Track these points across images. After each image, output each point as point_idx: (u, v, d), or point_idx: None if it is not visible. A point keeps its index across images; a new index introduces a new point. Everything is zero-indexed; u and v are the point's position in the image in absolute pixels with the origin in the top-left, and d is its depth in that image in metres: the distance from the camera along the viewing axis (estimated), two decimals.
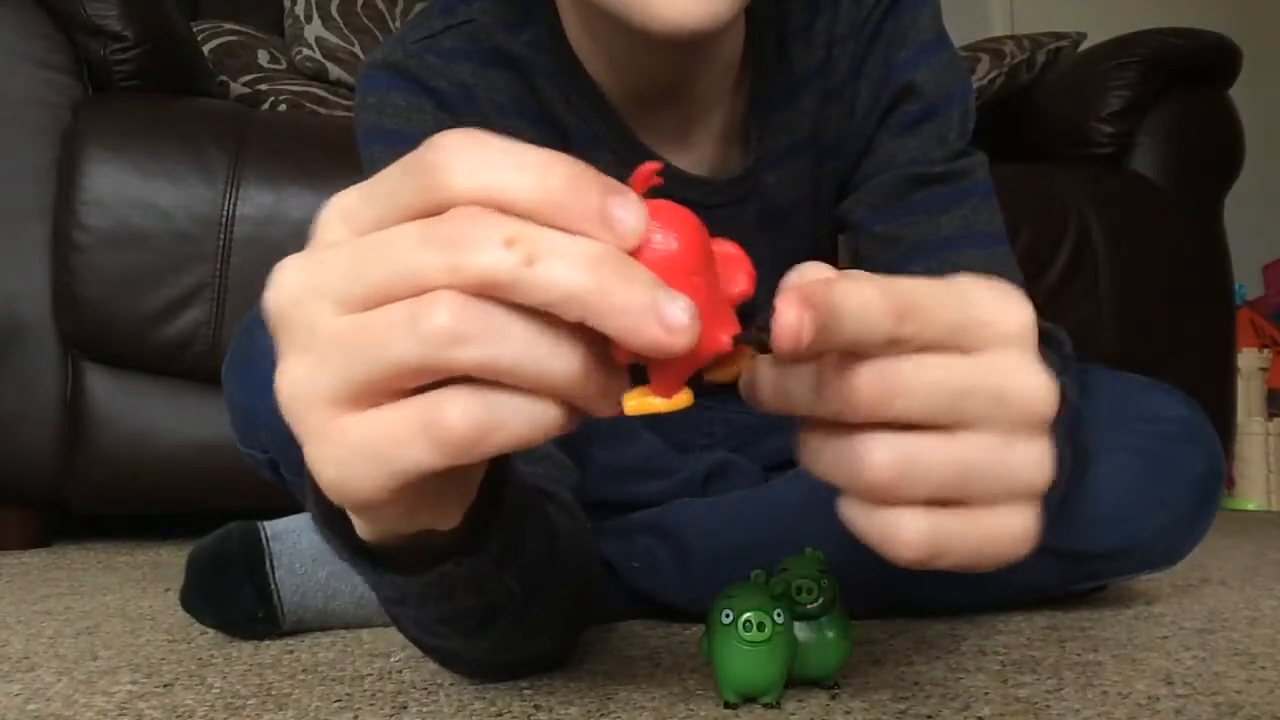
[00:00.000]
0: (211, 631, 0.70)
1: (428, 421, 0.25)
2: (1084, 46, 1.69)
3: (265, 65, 1.56)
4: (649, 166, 0.28)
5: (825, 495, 0.55)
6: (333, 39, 1.62)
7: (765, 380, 0.30)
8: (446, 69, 0.65)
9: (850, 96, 0.68)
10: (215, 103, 1.27)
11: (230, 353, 0.68)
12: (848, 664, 0.54)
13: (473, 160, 0.25)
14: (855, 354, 0.28)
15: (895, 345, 0.28)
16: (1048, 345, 0.51)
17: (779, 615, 0.48)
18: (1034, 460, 0.29)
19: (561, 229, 0.25)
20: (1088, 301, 1.42)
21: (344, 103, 1.57)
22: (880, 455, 0.28)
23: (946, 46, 0.68)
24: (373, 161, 0.66)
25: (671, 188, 0.60)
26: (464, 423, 0.25)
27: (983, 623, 0.71)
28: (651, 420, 0.74)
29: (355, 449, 0.26)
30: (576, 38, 0.64)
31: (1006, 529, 0.30)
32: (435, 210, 0.25)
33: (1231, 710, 0.51)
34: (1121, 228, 1.44)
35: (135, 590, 0.88)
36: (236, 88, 1.49)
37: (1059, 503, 0.67)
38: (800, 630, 0.51)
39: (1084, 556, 0.70)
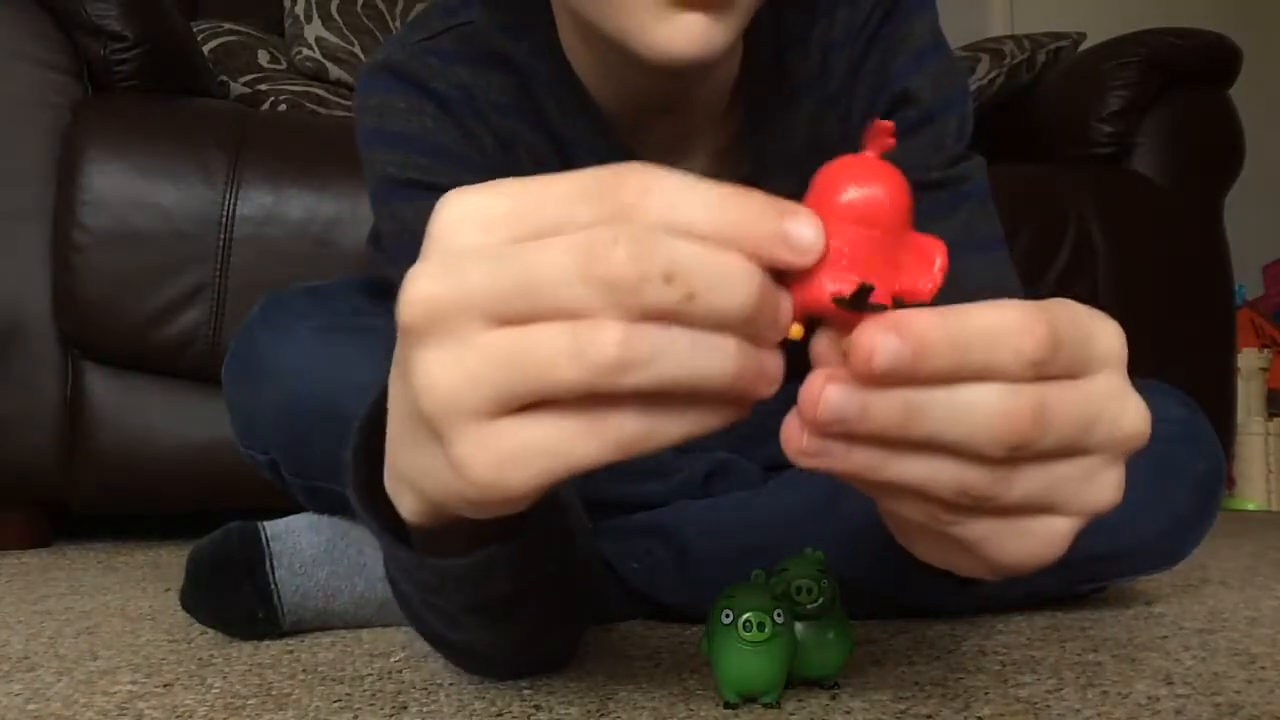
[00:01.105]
0: (211, 631, 0.70)
1: (600, 429, 0.27)
2: (1084, 46, 1.69)
3: (265, 65, 1.56)
4: (885, 124, 0.29)
5: (825, 498, 0.56)
6: (333, 39, 1.62)
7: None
8: (446, 70, 0.65)
9: (847, 103, 0.68)
10: (215, 103, 1.27)
11: (230, 354, 0.68)
12: (848, 664, 0.54)
13: (662, 193, 0.26)
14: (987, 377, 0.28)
15: (1040, 373, 0.28)
16: None
17: (779, 615, 0.48)
18: (1113, 484, 0.31)
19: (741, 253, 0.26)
20: (1088, 301, 1.42)
21: (344, 103, 1.57)
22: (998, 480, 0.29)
23: (943, 52, 0.68)
24: (374, 164, 0.66)
25: None
26: (636, 427, 0.27)
27: (983, 623, 0.71)
28: None
29: (518, 451, 0.27)
30: (573, 50, 0.64)
31: (1057, 536, 0.31)
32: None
33: (1231, 710, 0.51)
34: (1121, 228, 1.44)
35: (135, 590, 0.88)
36: (236, 88, 1.49)
37: None
38: (800, 630, 0.51)
39: (1084, 559, 0.70)
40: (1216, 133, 1.56)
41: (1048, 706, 0.51)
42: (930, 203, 0.66)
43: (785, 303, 0.27)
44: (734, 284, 0.26)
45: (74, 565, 1.04)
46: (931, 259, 0.29)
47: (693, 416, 0.27)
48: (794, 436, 0.29)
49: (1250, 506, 1.74)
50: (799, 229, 0.27)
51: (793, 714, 0.50)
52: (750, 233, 0.26)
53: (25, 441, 1.14)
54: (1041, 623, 0.71)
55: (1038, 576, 0.70)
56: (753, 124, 0.67)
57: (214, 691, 0.55)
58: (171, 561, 1.06)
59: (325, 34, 1.61)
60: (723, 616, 0.49)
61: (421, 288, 0.27)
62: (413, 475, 0.31)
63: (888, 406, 0.28)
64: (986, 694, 0.53)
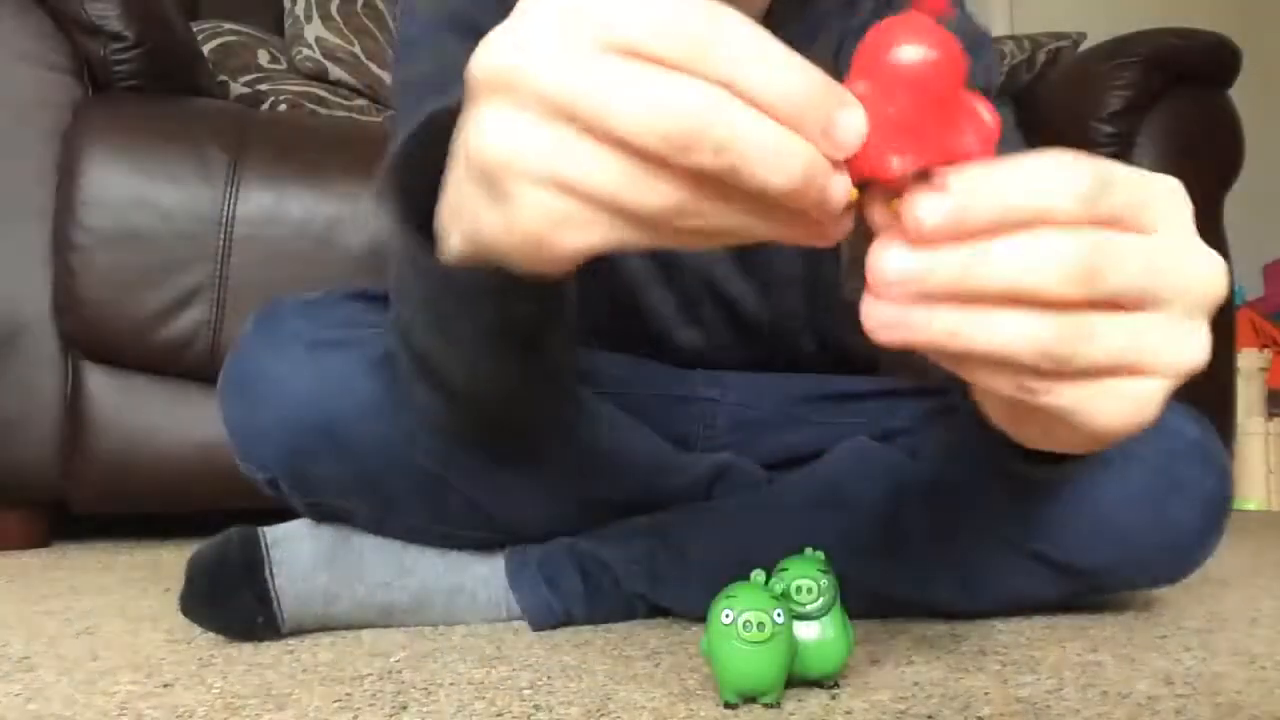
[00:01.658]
0: (211, 631, 0.70)
1: (647, 195, 0.28)
2: (1084, 46, 1.69)
3: (265, 65, 1.56)
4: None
5: (828, 500, 0.57)
6: (333, 39, 1.62)
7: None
8: None
9: None
10: (215, 103, 1.27)
11: (224, 374, 0.67)
12: (848, 664, 0.54)
13: (737, 45, 0.27)
14: (1049, 220, 0.29)
15: (1092, 211, 0.29)
16: None
17: (779, 615, 0.48)
18: (1198, 341, 0.32)
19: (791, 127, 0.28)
20: None
21: (344, 103, 1.57)
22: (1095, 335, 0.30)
23: (969, 13, 0.70)
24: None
25: None
26: (681, 199, 0.28)
27: (983, 623, 0.71)
28: (654, 412, 0.74)
29: (568, 215, 0.29)
30: None
31: (1148, 398, 0.32)
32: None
33: (1231, 710, 0.51)
34: None
35: (135, 590, 0.88)
36: (236, 88, 1.49)
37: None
38: (800, 630, 0.51)
39: (1086, 571, 0.70)
40: (1216, 133, 1.56)
41: (1048, 706, 0.51)
42: None
43: (837, 184, 0.28)
44: (781, 167, 0.27)
45: (74, 565, 1.04)
46: (982, 118, 0.30)
47: (723, 241, 0.30)
48: (873, 311, 0.30)
49: (1250, 506, 1.74)
50: (844, 122, 0.28)
51: (793, 714, 0.50)
52: (803, 112, 0.27)
53: (25, 441, 1.14)
54: (1041, 623, 0.71)
55: (1041, 587, 0.70)
56: None
57: (214, 691, 0.55)
58: (171, 561, 1.06)
59: (325, 34, 1.61)
60: (723, 616, 0.49)
61: (498, 52, 0.29)
62: (467, 218, 0.33)
63: (951, 258, 0.29)
64: (986, 694, 0.53)
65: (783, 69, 0.27)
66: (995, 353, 0.30)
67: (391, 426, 0.64)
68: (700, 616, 0.55)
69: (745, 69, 0.27)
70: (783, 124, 0.27)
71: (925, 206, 0.28)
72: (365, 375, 0.64)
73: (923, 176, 0.29)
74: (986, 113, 0.30)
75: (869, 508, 0.70)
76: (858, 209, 0.30)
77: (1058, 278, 0.29)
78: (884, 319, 0.30)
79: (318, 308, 0.67)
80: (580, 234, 0.29)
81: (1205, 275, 0.31)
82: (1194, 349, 0.32)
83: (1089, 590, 0.72)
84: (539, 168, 0.28)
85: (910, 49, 0.28)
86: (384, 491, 0.67)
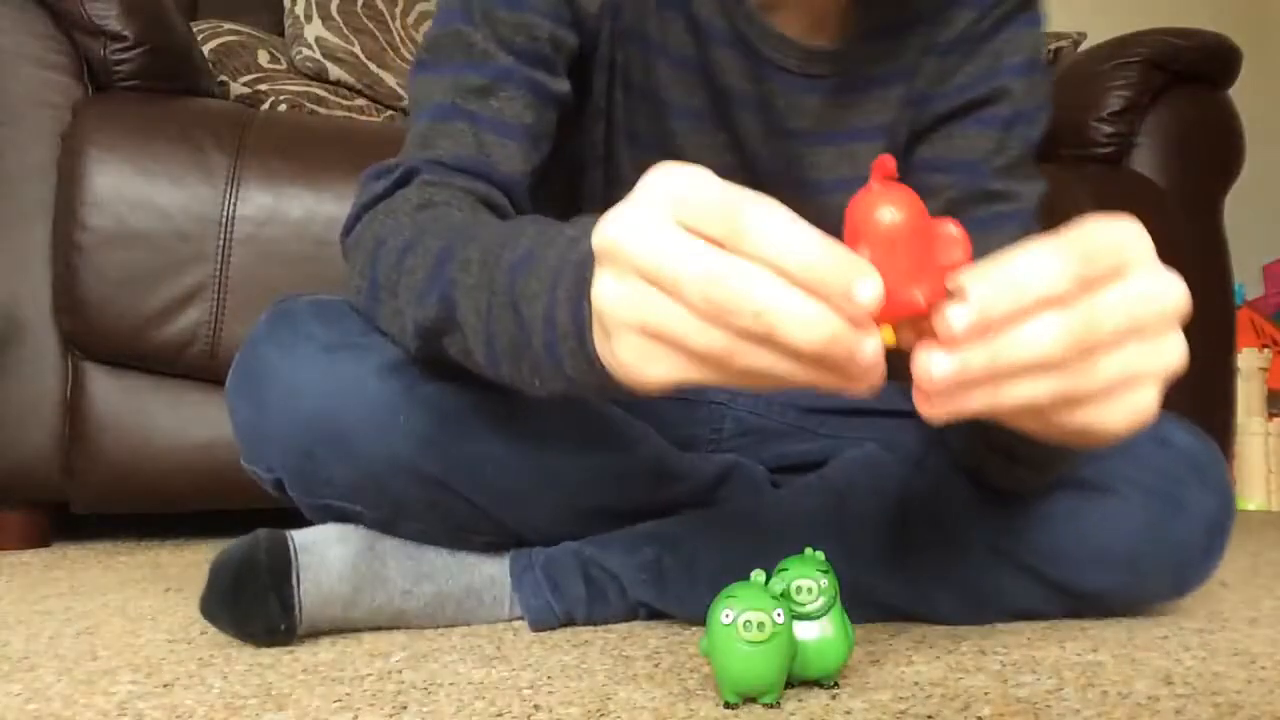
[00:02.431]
0: (211, 631, 0.70)
1: (710, 372, 0.37)
2: (1084, 46, 1.69)
3: (265, 65, 1.56)
4: (888, 161, 0.37)
5: (832, 508, 0.60)
6: (333, 39, 1.61)
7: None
8: None
9: (951, 65, 0.71)
10: (215, 103, 1.27)
11: (234, 369, 0.66)
12: (848, 664, 0.54)
13: (770, 232, 0.35)
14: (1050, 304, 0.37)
15: (1083, 286, 0.37)
16: None
17: (779, 615, 0.48)
18: (1177, 348, 0.40)
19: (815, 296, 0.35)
20: None
21: (344, 103, 1.57)
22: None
23: (1043, 72, 0.74)
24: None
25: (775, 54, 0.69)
26: (738, 378, 0.37)
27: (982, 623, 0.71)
28: (661, 414, 0.74)
29: (650, 362, 0.38)
30: None
31: (1147, 402, 0.40)
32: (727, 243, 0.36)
33: (1231, 710, 0.51)
34: None
35: (135, 590, 0.88)
36: (236, 88, 1.49)
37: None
38: (800, 630, 0.51)
39: (1089, 594, 0.70)
40: (1216, 133, 1.56)
41: (1048, 706, 0.51)
42: (985, 214, 0.71)
43: (868, 344, 0.36)
44: (807, 330, 0.35)
45: (74, 565, 1.04)
46: (950, 232, 0.38)
47: (778, 385, 0.37)
48: (922, 403, 0.39)
49: (1250, 506, 1.74)
50: (862, 289, 0.35)
51: (793, 714, 0.50)
52: (828, 284, 0.35)
53: (25, 441, 1.14)
54: (1041, 623, 0.71)
55: (1044, 604, 0.70)
56: (869, 32, 0.71)
57: (214, 691, 0.55)
58: (171, 561, 1.06)
59: (325, 34, 1.61)
60: (723, 616, 0.49)
61: (610, 228, 0.37)
62: (596, 338, 0.42)
63: (979, 355, 0.37)
64: (986, 694, 0.53)
65: (809, 249, 0.35)
66: (1022, 406, 0.38)
67: (401, 433, 0.64)
68: (702, 618, 0.55)
69: (778, 248, 0.35)
70: (812, 295, 0.35)
71: (955, 317, 0.36)
72: (376, 380, 0.63)
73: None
74: (952, 227, 0.38)
75: (874, 520, 0.69)
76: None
77: (1063, 350, 0.37)
78: (935, 409, 0.38)
79: (332, 311, 0.66)
80: (661, 368, 0.38)
81: (1172, 297, 0.39)
82: (1174, 355, 0.40)
83: (1091, 609, 0.72)
84: (631, 317, 0.37)
85: (890, 212, 0.37)
86: (391, 495, 0.67)
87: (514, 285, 0.47)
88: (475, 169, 0.64)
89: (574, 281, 0.43)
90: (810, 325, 0.34)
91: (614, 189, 0.73)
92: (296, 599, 0.66)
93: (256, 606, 0.65)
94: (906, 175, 0.71)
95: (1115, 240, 0.39)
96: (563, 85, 0.67)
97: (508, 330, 0.48)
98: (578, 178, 0.74)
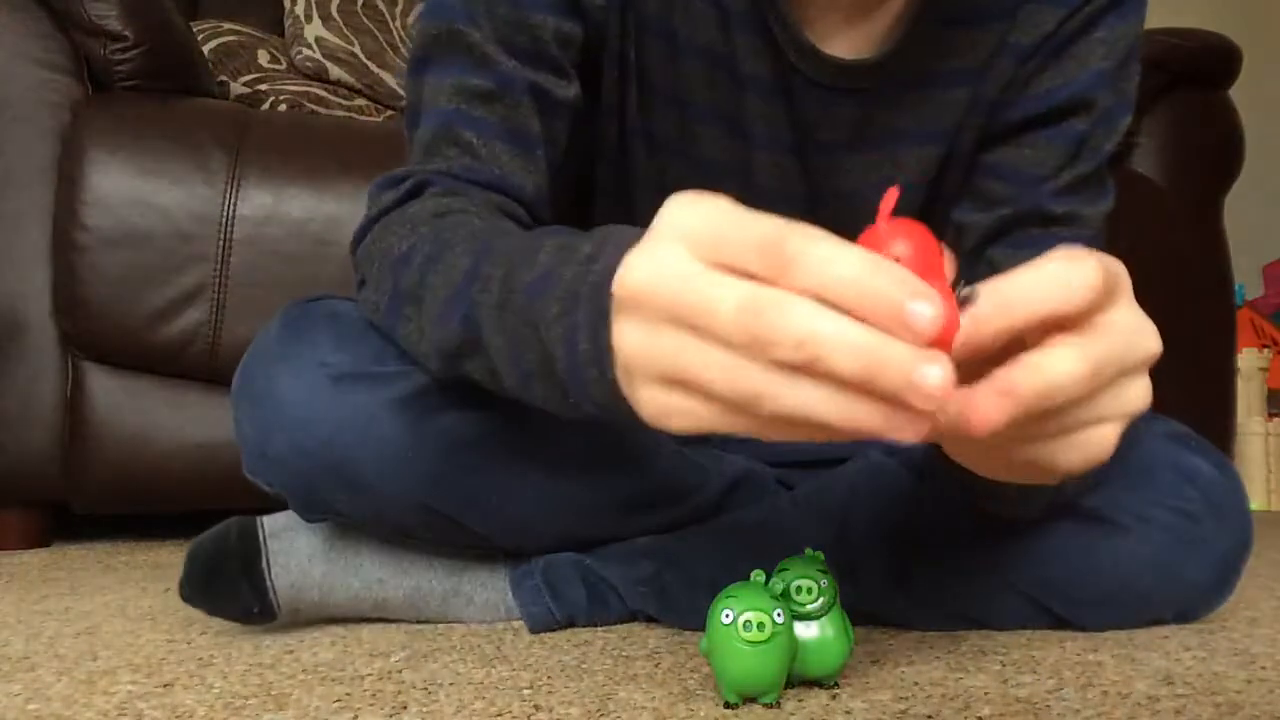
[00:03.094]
0: (211, 631, 0.70)
1: (732, 420, 0.34)
2: None
3: (265, 65, 1.56)
4: (892, 194, 0.35)
5: (835, 525, 0.60)
6: (333, 39, 1.62)
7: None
8: None
9: (1030, 71, 0.65)
10: (215, 103, 1.27)
11: (242, 377, 0.65)
12: (848, 664, 0.54)
13: (813, 261, 0.32)
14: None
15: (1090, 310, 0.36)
16: None
17: (779, 615, 0.48)
18: (1144, 391, 0.38)
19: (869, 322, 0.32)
20: None
21: (344, 103, 1.57)
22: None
23: (1136, 65, 0.66)
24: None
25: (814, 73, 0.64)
26: (762, 427, 0.34)
27: None
28: None
29: (673, 411, 0.35)
30: None
31: (1106, 440, 0.38)
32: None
33: (1231, 710, 0.51)
34: (1121, 228, 1.44)
35: (135, 590, 0.88)
36: (236, 88, 1.49)
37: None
38: (800, 630, 0.51)
39: (1091, 627, 0.69)
40: (1216, 133, 1.56)
41: (1048, 706, 0.51)
42: (1041, 235, 0.67)
43: (932, 371, 0.31)
44: (853, 355, 0.31)
45: (74, 565, 1.04)
46: (942, 252, 0.36)
47: (812, 433, 0.34)
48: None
49: (1250, 507, 1.74)
50: (920, 310, 0.31)
51: (793, 714, 0.50)
52: (879, 309, 0.31)
53: (25, 441, 1.14)
54: None
55: (1045, 626, 0.69)
56: (930, 22, 0.64)
57: (214, 691, 0.55)
58: (171, 561, 1.06)
59: (325, 34, 1.61)
60: (723, 616, 0.49)
61: (632, 275, 0.35)
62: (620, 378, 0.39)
63: (992, 400, 0.35)
64: (986, 694, 0.53)
65: (857, 271, 0.32)
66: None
67: (411, 470, 0.63)
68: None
69: (823, 275, 0.32)
70: (863, 320, 0.31)
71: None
72: (388, 416, 0.62)
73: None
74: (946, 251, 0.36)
75: (875, 549, 0.68)
76: None
77: (1068, 397, 0.36)
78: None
79: (348, 332, 0.64)
80: (686, 420, 0.35)
81: (1149, 343, 0.38)
82: (1142, 398, 0.38)
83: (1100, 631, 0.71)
84: (658, 367, 0.35)
85: (901, 246, 0.34)
86: (396, 524, 0.67)
87: (532, 306, 0.45)
88: (488, 180, 0.61)
89: (593, 309, 0.40)
90: (857, 350, 0.31)
91: (627, 185, 0.71)
92: (269, 583, 0.67)
93: (229, 592, 0.67)
94: (969, 178, 0.69)
95: (1114, 275, 0.37)
96: (570, 90, 0.64)
97: (534, 351, 0.46)
98: (588, 171, 0.71)
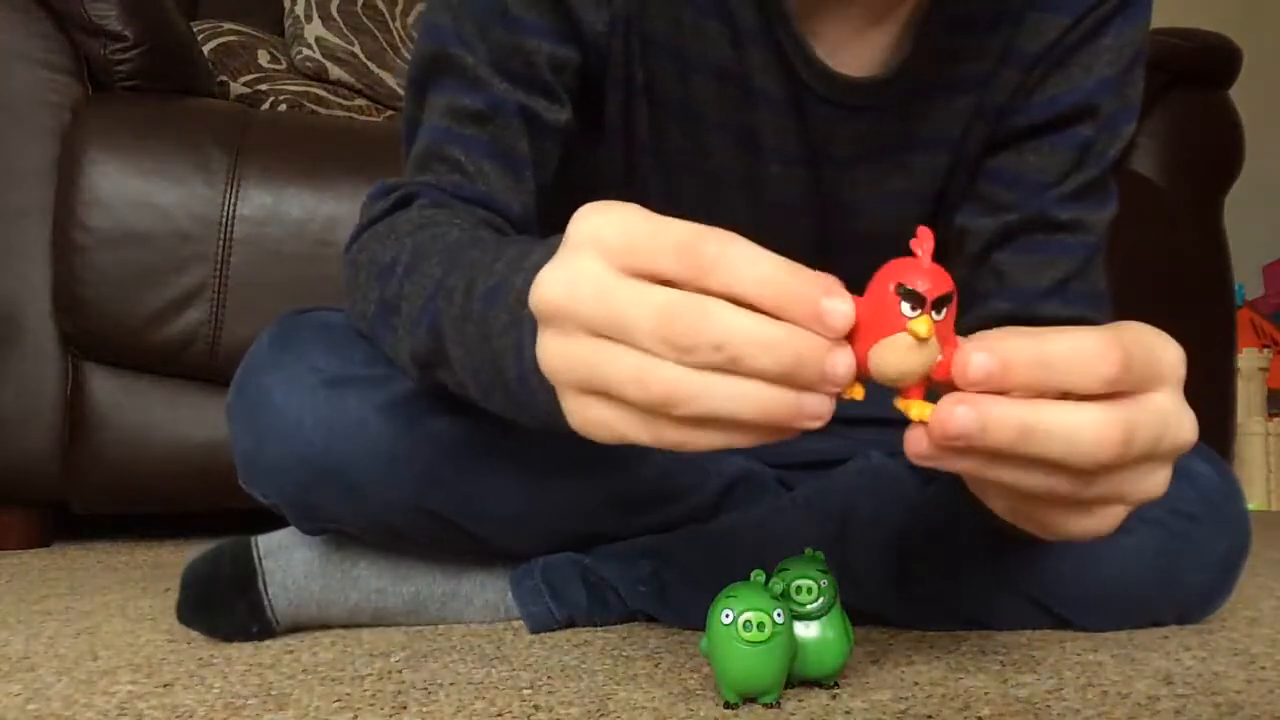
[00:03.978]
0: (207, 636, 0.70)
1: (652, 429, 0.35)
2: None
3: (265, 65, 1.56)
4: (926, 233, 0.35)
5: (836, 528, 0.59)
6: (333, 39, 1.62)
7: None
8: None
9: (1035, 79, 0.65)
10: (215, 103, 1.27)
11: (235, 391, 0.66)
12: (848, 664, 0.54)
13: (730, 263, 0.33)
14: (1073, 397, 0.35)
15: (1110, 388, 0.35)
16: None
17: (779, 615, 0.48)
18: (1164, 480, 0.38)
19: (785, 320, 0.33)
20: None
21: (344, 103, 1.57)
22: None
23: (1140, 71, 0.67)
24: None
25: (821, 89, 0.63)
26: (679, 435, 0.35)
27: None
28: None
29: (597, 420, 0.36)
30: None
31: (1115, 518, 0.39)
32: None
33: (1231, 710, 0.51)
34: (1121, 228, 1.44)
35: (135, 590, 0.88)
36: (236, 88, 1.49)
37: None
38: (800, 630, 0.51)
39: (1093, 627, 0.69)
40: (1216, 133, 1.56)
41: (1048, 706, 0.51)
42: (1046, 241, 0.68)
43: (840, 359, 0.33)
44: (772, 353, 0.32)
45: (74, 565, 1.04)
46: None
47: (729, 435, 0.35)
48: (915, 443, 0.36)
49: (1250, 507, 1.74)
50: (833, 307, 0.33)
51: (793, 714, 0.50)
52: (794, 308, 0.33)
53: (25, 441, 1.14)
54: None
55: (1044, 626, 0.69)
56: (936, 27, 0.63)
57: (214, 691, 0.55)
58: (171, 561, 1.06)
59: (325, 34, 1.61)
60: (723, 616, 0.48)
61: (548, 290, 0.35)
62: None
63: (1003, 427, 0.35)
64: (986, 694, 0.53)
65: (772, 273, 0.33)
66: (1005, 487, 0.38)
67: (404, 473, 0.63)
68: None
69: (738, 278, 0.33)
70: (775, 317, 0.33)
71: (974, 361, 0.35)
72: (380, 418, 0.62)
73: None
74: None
75: (877, 550, 0.68)
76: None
77: (1087, 459, 0.35)
78: (926, 454, 0.37)
79: (339, 340, 0.64)
80: (606, 430, 0.36)
81: (1186, 434, 0.38)
82: (1160, 486, 0.38)
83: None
84: (575, 377, 0.35)
85: (922, 282, 0.34)
86: (392, 528, 0.67)
87: (486, 316, 0.45)
88: (475, 197, 0.62)
89: (533, 320, 0.40)
90: (778, 348, 0.33)
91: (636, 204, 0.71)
92: (266, 603, 0.67)
93: (226, 612, 0.67)
94: (974, 183, 0.69)
95: (1156, 351, 0.37)
96: (563, 114, 0.64)
97: (489, 361, 0.46)
98: (593, 196, 0.71)
